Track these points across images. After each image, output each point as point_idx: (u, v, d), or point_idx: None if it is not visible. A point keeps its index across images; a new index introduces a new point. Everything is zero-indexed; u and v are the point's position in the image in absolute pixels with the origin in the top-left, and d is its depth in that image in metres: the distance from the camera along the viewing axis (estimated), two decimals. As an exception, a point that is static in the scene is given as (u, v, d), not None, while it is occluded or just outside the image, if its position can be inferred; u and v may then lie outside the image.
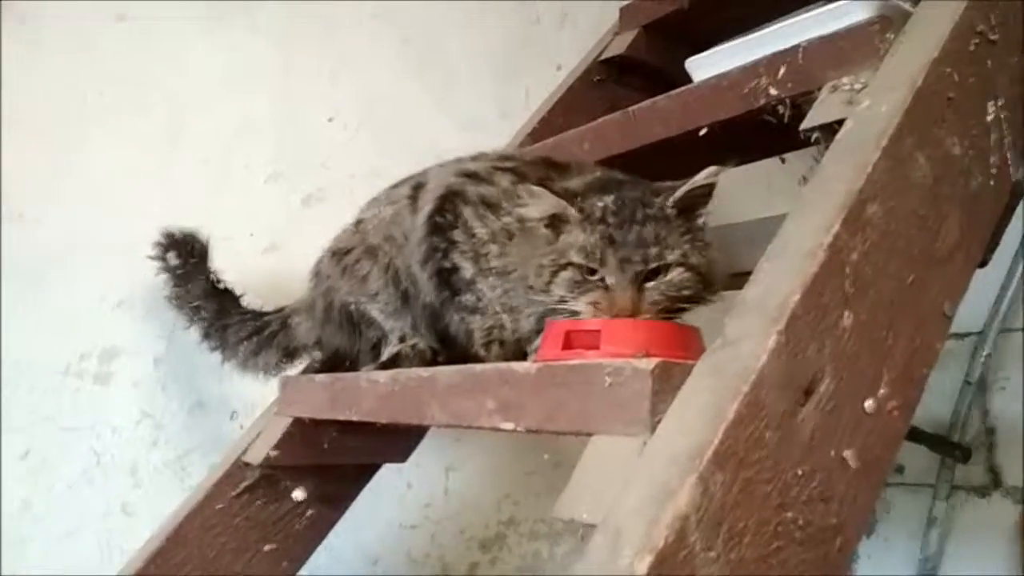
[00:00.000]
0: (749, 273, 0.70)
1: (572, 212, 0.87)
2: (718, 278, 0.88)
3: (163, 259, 1.24)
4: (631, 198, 0.87)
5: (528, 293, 0.92)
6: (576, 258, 0.85)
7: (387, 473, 1.33)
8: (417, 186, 1.10)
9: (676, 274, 0.84)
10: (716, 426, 0.58)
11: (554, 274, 0.87)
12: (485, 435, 1.62)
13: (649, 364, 0.64)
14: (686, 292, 0.84)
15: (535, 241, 0.93)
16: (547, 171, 1.02)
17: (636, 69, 1.61)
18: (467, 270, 1.01)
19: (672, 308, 0.84)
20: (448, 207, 1.03)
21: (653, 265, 0.83)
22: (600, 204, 0.87)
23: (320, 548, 1.23)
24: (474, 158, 1.10)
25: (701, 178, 0.85)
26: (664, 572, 0.53)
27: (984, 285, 1.78)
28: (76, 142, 1.33)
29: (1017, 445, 1.78)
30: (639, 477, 0.59)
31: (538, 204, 0.91)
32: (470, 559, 1.59)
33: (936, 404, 1.87)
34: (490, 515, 1.62)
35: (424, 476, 1.55)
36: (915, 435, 1.80)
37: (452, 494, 1.58)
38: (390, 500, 1.50)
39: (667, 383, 0.63)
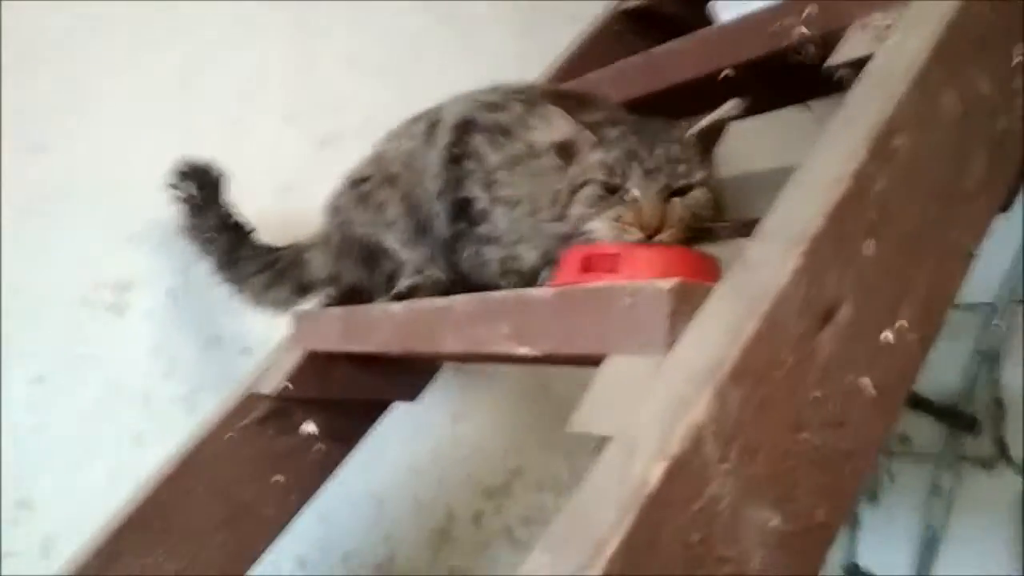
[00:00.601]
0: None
1: (587, 135, 0.86)
2: (726, 213, 0.88)
3: (179, 188, 1.24)
4: (650, 127, 0.87)
5: (538, 224, 0.91)
6: (598, 174, 0.84)
7: (396, 417, 1.33)
8: (433, 123, 1.09)
9: (700, 193, 0.84)
10: (734, 344, 0.58)
11: (572, 194, 0.85)
12: (495, 382, 1.63)
13: (668, 284, 0.63)
14: (706, 213, 0.84)
15: (544, 171, 0.91)
16: (563, 102, 1.01)
17: (658, 21, 1.58)
18: (481, 200, 1.00)
19: (693, 229, 0.83)
20: (462, 137, 1.02)
21: (682, 182, 0.83)
22: (616, 130, 0.86)
23: (328, 486, 1.24)
24: (491, 90, 1.09)
25: (723, 110, 0.84)
26: (678, 480, 0.54)
27: (996, 255, 1.77)
28: (91, 77, 1.32)
29: (1025, 418, 1.78)
30: (656, 391, 0.59)
31: (551, 128, 0.90)
32: (476, 507, 1.60)
33: (945, 375, 1.86)
34: (497, 463, 1.63)
35: (432, 422, 1.56)
36: (922, 405, 1.80)
37: (460, 441, 1.59)
38: (398, 443, 1.51)
39: (686, 303, 0.63)
